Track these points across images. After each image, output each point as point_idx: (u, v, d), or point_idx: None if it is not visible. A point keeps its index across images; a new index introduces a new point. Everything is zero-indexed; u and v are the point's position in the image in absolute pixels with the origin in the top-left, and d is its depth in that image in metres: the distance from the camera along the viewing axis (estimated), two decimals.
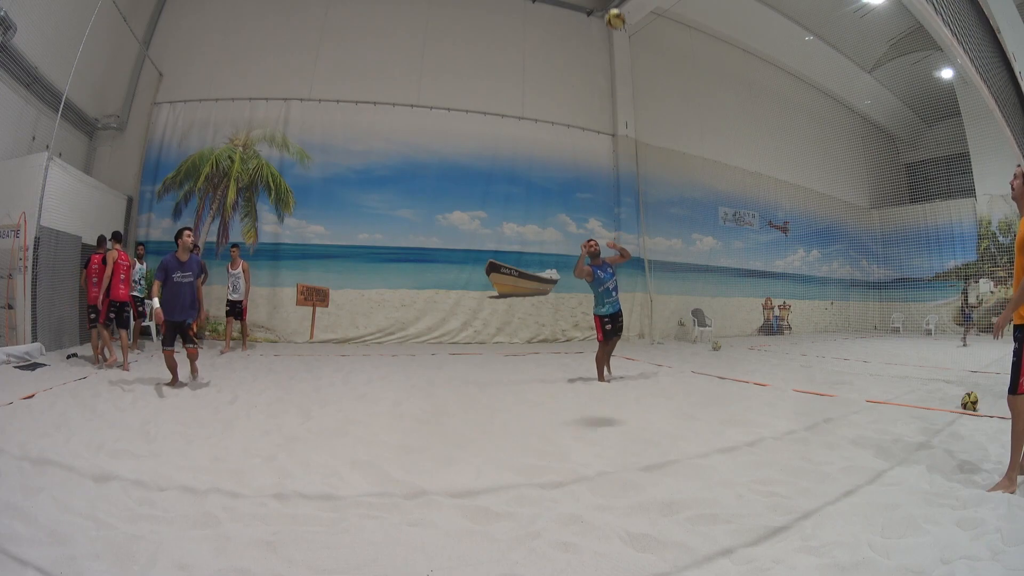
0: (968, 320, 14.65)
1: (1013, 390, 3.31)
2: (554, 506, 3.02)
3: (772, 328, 17.94)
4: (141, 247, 10.54)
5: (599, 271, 7.37)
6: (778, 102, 18.56)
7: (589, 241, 7.44)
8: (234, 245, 10.65)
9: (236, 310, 10.42)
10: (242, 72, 12.76)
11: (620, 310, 7.47)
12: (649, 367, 9.20)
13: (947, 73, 18.12)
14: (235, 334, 10.82)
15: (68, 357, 8.24)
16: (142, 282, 9.92)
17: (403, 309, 12.90)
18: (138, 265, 9.73)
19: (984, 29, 6.34)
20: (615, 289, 7.42)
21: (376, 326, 12.64)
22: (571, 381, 7.59)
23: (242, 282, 10.37)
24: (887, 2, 16.15)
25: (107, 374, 7.02)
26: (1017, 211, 17.30)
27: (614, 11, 7.81)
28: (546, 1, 15.13)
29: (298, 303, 12.33)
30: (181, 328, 6.53)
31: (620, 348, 12.14)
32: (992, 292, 17.10)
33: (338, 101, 13.05)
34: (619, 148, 15.24)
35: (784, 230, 19.03)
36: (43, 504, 2.83)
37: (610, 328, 7.37)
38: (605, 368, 7.64)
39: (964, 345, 13.56)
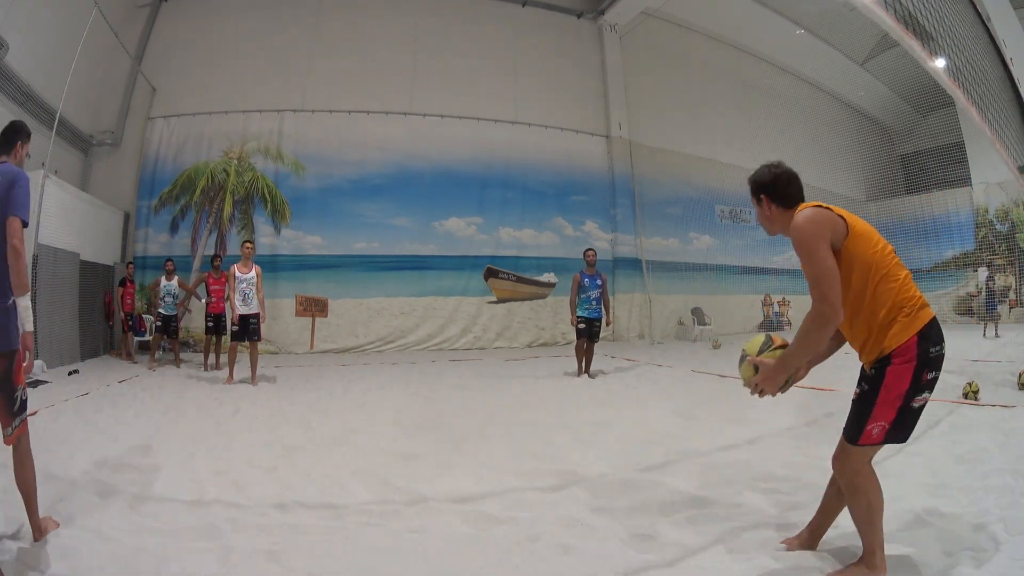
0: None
1: (853, 438, 2.24)
2: (554, 509, 3.02)
3: (772, 324, 17.94)
4: (170, 263, 9.88)
5: (586, 279, 8.15)
6: (771, 97, 18.57)
7: (589, 250, 8.39)
8: (248, 241, 8.27)
9: (249, 328, 7.69)
10: (235, 85, 12.78)
11: (596, 317, 8.17)
12: (649, 367, 9.21)
13: (939, 63, 18.12)
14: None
15: (70, 374, 8.25)
16: (168, 298, 9.62)
17: (402, 317, 12.91)
18: (164, 282, 9.61)
19: (974, 21, 6.37)
20: (596, 299, 8.17)
21: (376, 335, 12.64)
22: (572, 383, 7.62)
23: (255, 291, 7.78)
24: None
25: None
26: (1013, 199, 17.19)
27: None
28: (536, 5, 15.17)
29: (297, 314, 12.34)
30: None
31: (620, 349, 12.17)
32: (992, 280, 17.08)
33: (331, 111, 13.08)
34: (613, 149, 15.27)
35: None
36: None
37: (583, 327, 8.11)
38: (582, 369, 8.29)
39: None
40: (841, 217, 2.19)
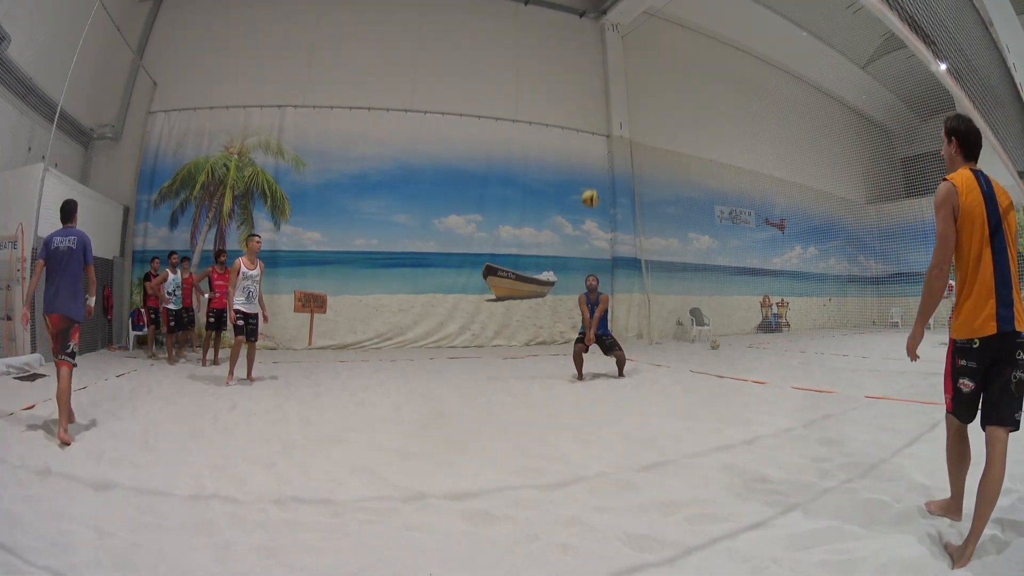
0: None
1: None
2: (553, 508, 3.03)
3: (770, 326, 17.95)
4: (174, 255, 9.79)
5: (590, 304, 8.06)
6: (772, 99, 18.56)
7: (590, 276, 8.31)
8: (257, 236, 8.00)
9: (251, 327, 7.50)
10: (236, 80, 12.77)
11: (600, 334, 7.95)
12: (647, 367, 9.21)
13: (941, 67, 18.12)
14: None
15: None
16: (177, 292, 9.58)
17: (401, 314, 12.91)
18: (171, 276, 9.55)
19: (975, 23, 6.36)
20: (598, 320, 7.99)
21: (374, 331, 12.64)
22: (570, 382, 7.62)
23: (259, 289, 7.59)
24: None
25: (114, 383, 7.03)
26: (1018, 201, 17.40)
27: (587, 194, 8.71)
28: (539, 3, 15.14)
29: (296, 310, 12.33)
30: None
31: None
32: None
33: (332, 107, 13.06)
34: (614, 149, 15.25)
35: (781, 227, 19.05)
36: (44, 513, 2.83)
37: (582, 339, 8.00)
38: (581, 374, 8.01)
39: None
40: (959, 194, 2.70)
